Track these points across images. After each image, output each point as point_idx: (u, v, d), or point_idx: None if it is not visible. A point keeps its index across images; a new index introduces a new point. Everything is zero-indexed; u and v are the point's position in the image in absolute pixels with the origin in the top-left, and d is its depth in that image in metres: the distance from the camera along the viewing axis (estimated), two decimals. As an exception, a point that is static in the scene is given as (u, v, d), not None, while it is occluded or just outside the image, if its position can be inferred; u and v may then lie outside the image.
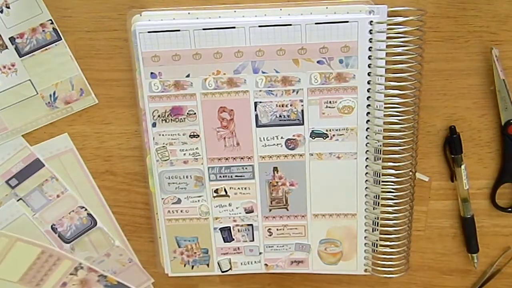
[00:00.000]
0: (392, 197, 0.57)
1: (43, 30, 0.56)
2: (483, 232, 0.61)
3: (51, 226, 0.61)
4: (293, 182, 0.58)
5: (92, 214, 0.61)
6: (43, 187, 0.60)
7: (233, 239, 0.61)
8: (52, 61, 0.57)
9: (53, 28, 0.56)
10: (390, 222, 0.58)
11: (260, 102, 0.56)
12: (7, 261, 0.59)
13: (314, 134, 0.57)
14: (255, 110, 0.56)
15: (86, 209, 0.61)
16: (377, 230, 0.59)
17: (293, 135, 0.57)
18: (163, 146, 0.58)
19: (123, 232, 0.63)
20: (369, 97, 0.55)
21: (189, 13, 0.54)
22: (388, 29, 0.52)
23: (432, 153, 0.59)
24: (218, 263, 0.62)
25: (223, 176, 0.59)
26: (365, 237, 0.60)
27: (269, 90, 0.55)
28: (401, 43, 0.52)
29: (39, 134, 0.59)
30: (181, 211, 0.60)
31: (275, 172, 0.58)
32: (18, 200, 0.60)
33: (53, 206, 0.61)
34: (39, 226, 0.61)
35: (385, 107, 0.54)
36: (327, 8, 0.53)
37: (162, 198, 0.60)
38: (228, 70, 0.55)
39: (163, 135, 0.57)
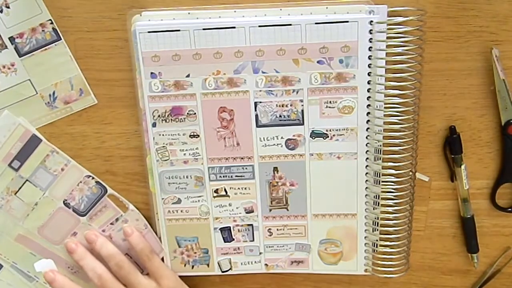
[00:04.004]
0: (392, 197, 0.57)
1: (43, 30, 0.56)
2: (483, 232, 0.61)
3: (64, 202, 0.60)
4: (293, 182, 0.58)
5: (101, 182, 0.60)
6: (46, 163, 0.58)
7: (233, 239, 0.61)
8: (51, 61, 0.57)
9: (53, 28, 0.56)
10: (390, 222, 0.58)
11: (260, 102, 0.56)
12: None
13: (314, 134, 0.57)
14: (255, 110, 0.56)
15: (93, 178, 0.60)
16: (377, 230, 0.59)
17: (293, 135, 0.57)
18: (163, 146, 0.58)
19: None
20: (369, 97, 0.55)
21: (189, 13, 0.54)
22: (388, 29, 0.52)
23: (432, 153, 0.59)
24: (218, 263, 0.62)
25: (223, 176, 0.59)
26: (365, 237, 0.60)
27: (269, 90, 0.55)
28: (401, 43, 0.52)
29: (39, 134, 0.59)
30: (181, 211, 0.60)
31: (275, 172, 0.58)
32: (24, 183, 0.58)
33: (60, 181, 0.59)
34: (51, 204, 0.59)
35: (385, 107, 0.54)
36: (327, 8, 0.53)
37: (162, 198, 0.60)
38: (228, 70, 0.55)
39: (163, 135, 0.57)
